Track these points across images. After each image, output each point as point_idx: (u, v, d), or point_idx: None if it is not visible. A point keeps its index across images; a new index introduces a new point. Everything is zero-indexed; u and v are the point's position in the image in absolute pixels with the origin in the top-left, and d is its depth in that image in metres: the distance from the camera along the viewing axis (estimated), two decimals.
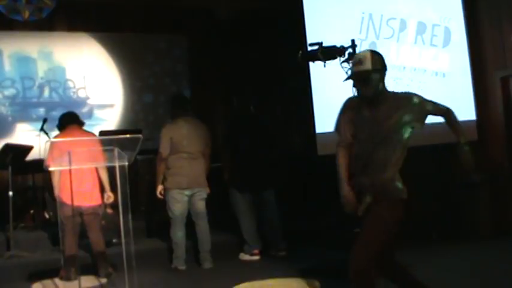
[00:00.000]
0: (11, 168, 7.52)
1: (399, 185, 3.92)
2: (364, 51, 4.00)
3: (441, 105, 4.17)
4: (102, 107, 10.48)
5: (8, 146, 7.71)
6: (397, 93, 4.02)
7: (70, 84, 10.43)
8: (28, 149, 7.83)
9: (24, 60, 10.29)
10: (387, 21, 8.17)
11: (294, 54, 6.40)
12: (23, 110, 10.21)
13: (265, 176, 7.14)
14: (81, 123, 6.69)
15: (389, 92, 3.98)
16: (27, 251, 7.39)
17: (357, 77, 3.91)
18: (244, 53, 9.73)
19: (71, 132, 6.34)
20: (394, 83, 7.92)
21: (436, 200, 7.98)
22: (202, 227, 6.83)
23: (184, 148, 6.63)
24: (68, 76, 10.42)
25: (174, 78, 10.89)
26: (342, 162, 4.03)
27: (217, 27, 10.21)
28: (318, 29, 7.74)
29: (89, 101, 10.45)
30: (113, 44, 10.57)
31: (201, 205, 6.80)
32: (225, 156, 7.31)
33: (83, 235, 6.47)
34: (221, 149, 7.36)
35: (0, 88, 10.10)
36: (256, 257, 7.07)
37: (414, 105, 3.94)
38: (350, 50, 6.02)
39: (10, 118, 10.14)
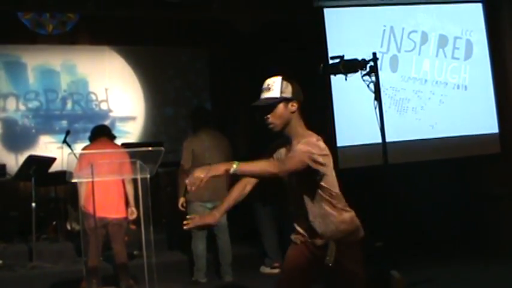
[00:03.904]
0: (34, 179, 7.60)
1: (351, 224, 3.46)
2: (275, 77, 3.44)
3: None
4: (123, 119, 10.56)
5: (31, 158, 7.80)
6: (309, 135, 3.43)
7: (92, 96, 10.55)
8: (51, 160, 7.91)
9: (47, 73, 10.43)
10: (408, 34, 8.16)
11: (315, 68, 6.42)
12: (46, 122, 10.34)
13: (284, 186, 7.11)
14: (112, 137, 6.75)
15: (304, 131, 3.45)
16: (49, 262, 7.46)
17: (262, 105, 3.39)
18: (265, 66, 9.76)
19: (100, 144, 6.40)
20: (415, 96, 7.93)
21: (457, 214, 7.92)
22: (224, 239, 6.82)
23: (206, 160, 6.63)
24: (90, 89, 10.54)
25: (195, 91, 10.95)
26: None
27: (238, 41, 10.25)
28: (339, 42, 7.76)
29: (111, 114, 10.54)
30: (134, 57, 10.67)
31: (222, 218, 6.77)
32: None
33: (105, 247, 6.50)
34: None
35: (24, 100, 10.24)
36: (277, 270, 7.03)
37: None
38: (371, 63, 6.03)
39: (33, 130, 10.27)
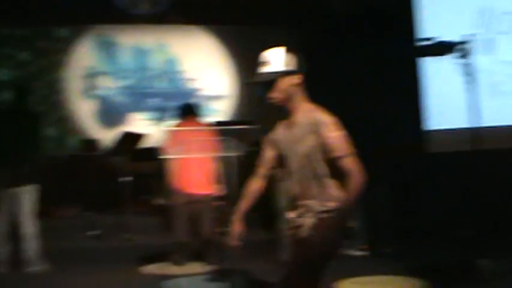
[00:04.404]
0: (126, 155, 7.84)
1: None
2: (276, 49, 3.24)
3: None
4: (214, 98, 10.72)
5: (124, 134, 8.04)
6: (313, 110, 3.23)
7: (183, 75, 10.75)
8: (143, 137, 8.13)
9: (140, 52, 10.72)
10: (504, 16, 7.89)
11: (405, 49, 6.32)
12: (138, 99, 10.64)
13: (374, 171, 6.99)
14: (199, 115, 6.88)
15: (309, 104, 3.26)
16: (139, 235, 7.71)
17: (262, 81, 3.22)
18: (356, 48, 9.66)
19: (188, 122, 6.52)
20: (510, 80, 7.68)
21: None
22: None
23: None
24: (181, 68, 10.74)
25: None
26: (247, 189, 3.50)
27: (331, 21, 10.17)
28: (431, 23, 7.61)
29: (201, 92, 10.73)
30: (226, 37, 10.78)
31: None
32: None
33: (193, 222, 6.63)
34: None
35: (118, 79, 10.56)
36: (363, 252, 7.01)
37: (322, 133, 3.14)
38: (465, 45, 5.88)
39: (126, 107, 10.58)
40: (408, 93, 8.22)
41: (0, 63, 10.45)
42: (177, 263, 6.38)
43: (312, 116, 3.18)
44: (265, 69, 3.20)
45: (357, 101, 7.36)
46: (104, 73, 10.65)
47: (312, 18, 10.34)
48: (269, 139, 3.40)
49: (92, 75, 10.61)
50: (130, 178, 7.94)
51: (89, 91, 10.58)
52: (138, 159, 8.72)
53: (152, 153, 7.33)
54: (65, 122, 10.37)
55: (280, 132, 3.32)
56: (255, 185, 3.50)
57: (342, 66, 10.11)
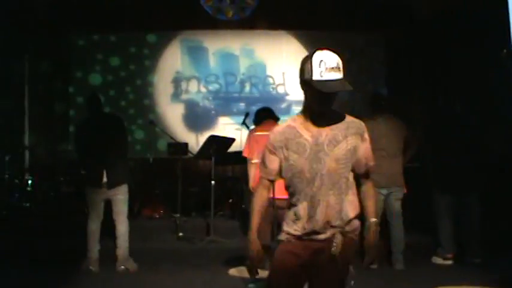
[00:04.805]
0: (213, 158, 7.94)
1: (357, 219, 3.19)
2: (330, 52, 3.08)
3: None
4: (300, 103, 10.66)
5: (212, 138, 8.13)
6: (343, 114, 3.18)
7: (270, 80, 10.84)
8: (230, 141, 8.20)
9: (227, 57, 10.87)
10: None
11: (497, 53, 6.13)
12: (225, 104, 10.80)
13: (468, 178, 6.82)
14: (277, 119, 6.88)
15: (334, 110, 3.17)
16: (225, 237, 7.80)
17: (331, 88, 2.98)
18: (443, 52, 9.47)
19: (267, 126, 6.50)
20: None
21: None
22: (397, 227, 6.70)
23: (383, 146, 6.52)
24: (268, 72, 10.85)
25: (370, 76, 10.83)
26: (258, 203, 3.35)
27: (416, 27, 10.03)
28: None
29: (287, 97, 10.78)
30: (311, 42, 10.74)
31: (397, 205, 6.66)
32: (427, 157, 7.15)
33: (276, 226, 6.65)
34: (423, 149, 7.14)
35: (205, 83, 10.78)
36: (449, 262, 6.86)
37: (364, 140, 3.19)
38: None
39: (213, 112, 10.78)
40: (500, 98, 7.98)
41: (92, 69, 10.83)
42: (262, 266, 6.38)
43: (348, 119, 3.17)
44: (337, 75, 3.01)
45: (453, 106, 7.19)
46: (191, 78, 10.84)
47: (397, 25, 10.22)
48: (274, 146, 3.22)
49: (179, 79, 10.84)
50: (216, 181, 8.05)
51: (176, 95, 10.82)
52: (224, 163, 8.84)
53: (237, 157, 7.40)
54: (153, 125, 10.62)
55: (302, 136, 3.13)
56: (262, 199, 3.38)
57: (429, 71, 9.95)
